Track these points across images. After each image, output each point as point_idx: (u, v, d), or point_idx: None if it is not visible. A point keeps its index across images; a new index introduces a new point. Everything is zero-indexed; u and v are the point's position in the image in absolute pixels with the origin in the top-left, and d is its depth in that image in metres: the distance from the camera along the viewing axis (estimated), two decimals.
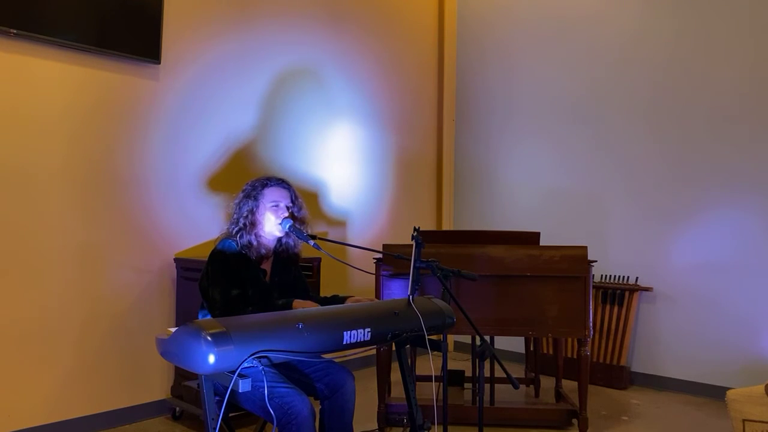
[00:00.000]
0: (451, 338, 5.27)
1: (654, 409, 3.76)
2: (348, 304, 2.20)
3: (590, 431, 3.24)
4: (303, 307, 2.14)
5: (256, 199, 2.35)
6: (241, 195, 2.40)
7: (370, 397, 3.61)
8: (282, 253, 2.43)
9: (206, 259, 2.34)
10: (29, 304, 2.95)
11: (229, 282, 2.22)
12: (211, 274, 2.26)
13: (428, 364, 3.79)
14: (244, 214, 2.32)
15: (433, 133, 5.43)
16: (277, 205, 2.35)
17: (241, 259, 2.28)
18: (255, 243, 2.31)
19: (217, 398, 1.77)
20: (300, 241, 2.40)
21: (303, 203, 2.47)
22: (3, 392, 2.86)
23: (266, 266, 2.40)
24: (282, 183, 2.41)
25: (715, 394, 3.89)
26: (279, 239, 2.41)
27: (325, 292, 3.08)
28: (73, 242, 3.10)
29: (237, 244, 2.29)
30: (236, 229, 2.32)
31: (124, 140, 3.29)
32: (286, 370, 2.19)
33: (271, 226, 2.34)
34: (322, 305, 2.24)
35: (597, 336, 4.36)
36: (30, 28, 2.85)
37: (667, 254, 4.23)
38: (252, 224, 2.32)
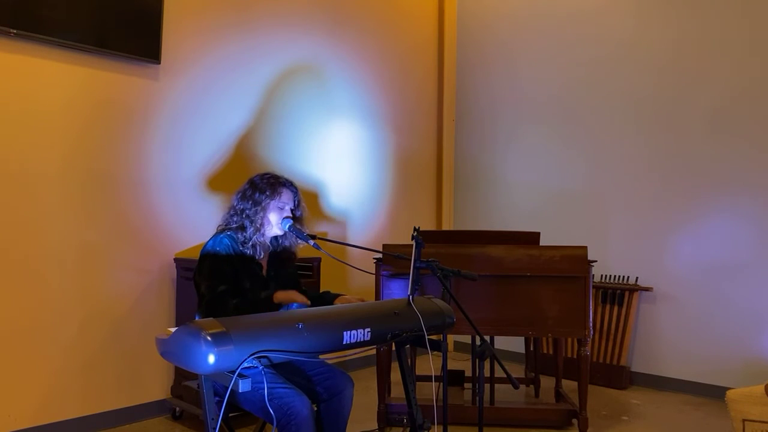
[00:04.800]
0: (451, 338, 5.27)
1: (654, 409, 3.76)
2: (338, 304, 2.19)
3: (590, 431, 3.24)
4: (285, 296, 2.18)
5: (270, 196, 2.34)
6: (254, 191, 2.38)
7: (370, 397, 3.61)
8: (278, 249, 2.44)
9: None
10: (29, 304, 2.95)
11: (218, 277, 2.21)
12: (202, 269, 2.26)
13: (428, 364, 3.79)
14: (257, 209, 2.32)
15: (433, 133, 5.43)
16: (283, 208, 2.37)
17: (235, 254, 2.27)
18: (255, 237, 2.30)
19: (216, 398, 1.77)
20: (298, 241, 2.41)
21: (304, 204, 2.48)
22: (3, 392, 2.86)
23: (263, 261, 2.41)
24: (292, 186, 2.43)
25: (715, 394, 3.89)
26: (275, 237, 2.43)
27: None
28: (73, 242, 3.10)
29: (234, 238, 2.28)
30: (238, 222, 2.32)
31: (124, 140, 3.29)
32: (286, 373, 2.19)
33: (273, 226, 2.35)
34: (312, 300, 2.25)
35: (597, 336, 4.36)
36: (30, 28, 2.85)
37: (667, 254, 4.23)
38: (259, 219, 2.31)
